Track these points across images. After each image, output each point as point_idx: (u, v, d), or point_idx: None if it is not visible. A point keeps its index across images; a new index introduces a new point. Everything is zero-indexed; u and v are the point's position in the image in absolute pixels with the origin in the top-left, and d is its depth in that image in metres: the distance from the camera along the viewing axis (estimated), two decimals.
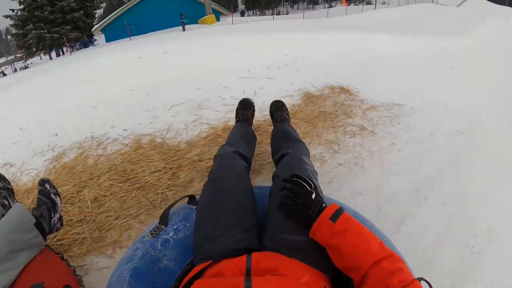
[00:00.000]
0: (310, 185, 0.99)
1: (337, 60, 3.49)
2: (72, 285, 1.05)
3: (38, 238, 1.17)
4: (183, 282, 0.89)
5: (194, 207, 1.17)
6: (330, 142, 1.91)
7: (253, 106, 1.83)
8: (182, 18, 14.63)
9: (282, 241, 0.93)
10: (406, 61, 3.99)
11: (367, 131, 2.07)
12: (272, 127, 1.79)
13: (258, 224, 1.06)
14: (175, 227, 1.11)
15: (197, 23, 16.07)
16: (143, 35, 14.32)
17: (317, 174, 1.24)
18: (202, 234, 1.01)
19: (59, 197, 1.34)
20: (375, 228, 1.11)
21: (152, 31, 15.15)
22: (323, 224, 0.87)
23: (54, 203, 1.29)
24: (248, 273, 0.83)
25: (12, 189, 1.47)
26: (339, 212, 0.89)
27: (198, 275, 0.88)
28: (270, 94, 2.45)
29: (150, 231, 1.10)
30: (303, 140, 1.54)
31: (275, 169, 1.32)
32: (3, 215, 1.28)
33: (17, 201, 1.45)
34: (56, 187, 1.37)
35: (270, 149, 1.60)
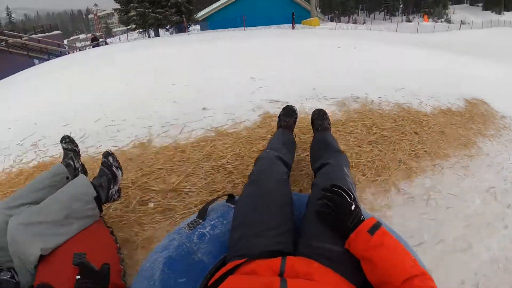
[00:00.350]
0: (350, 196, 0.98)
1: (462, 77, 4.17)
2: (113, 263, 1.11)
3: (94, 210, 1.27)
4: (216, 276, 0.92)
5: (233, 206, 1.20)
6: (496, 129, 2.82)
7: (296, 114, 1.80)
8: (293, 17, 15.29)
9: (317, 249, 0.94)
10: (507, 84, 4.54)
11: (508, 129, 2.93)
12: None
13: (294, 229, 1.07)
14: (212, 223, 1.14)
15: (300, 23, 16.53)
16: (252, 27, 15.35)
17: (355, 186, 1.23)
18: (238, 233, 1.03)
19: (121, 171, 1.41)
20: (409, 246, 1.08)
21: (256, 26, 16.05)
22: (360, 236, 0.88)
23: (114, 176, 1.37)
24: (281, 275, 0.85)
25: (79, 151, 1.59)
26: (377, 225, 0.89)
27: (231, 271, 0.91)
28: (446, 96, 3.10)
29: (188, 224, 1.14)
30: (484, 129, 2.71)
31: (313, 177, 1.33)
32: (67, 178, 1.41)
33: (82, 163, 1.58)
34: (119, 161, 1.43)
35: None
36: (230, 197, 1.26)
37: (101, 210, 1.32)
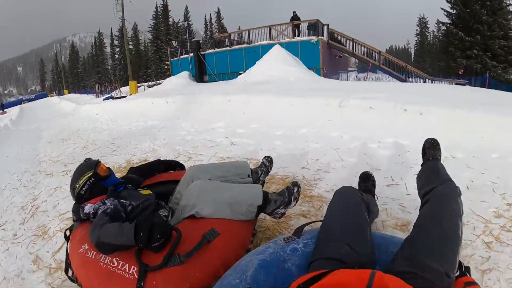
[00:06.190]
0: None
1: None
2: (229, 259, 1.35)
3: (252, 214, 1.56)
4: (301, 280, 0.95)
5: None
6: None
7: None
8: None
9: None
10: None
11: None
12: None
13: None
14: (305, 241, 1.24)
15: None
16: None
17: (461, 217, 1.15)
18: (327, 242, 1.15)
19: (296, 202, 1.64)
20: None
21: None
22: None
23: (289, 202, 1.61)
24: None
25: (269, 172, 2.03)
26: None
27: (319, 277, 0.94)
28: None
29: (284, 238, 1.27)
30: None
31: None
32: (248, 176, 1.84)
33: (264, 181, 1.99)
34: (300, 194, 1.66)
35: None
36: None
37: (257, 215, 1.60)
